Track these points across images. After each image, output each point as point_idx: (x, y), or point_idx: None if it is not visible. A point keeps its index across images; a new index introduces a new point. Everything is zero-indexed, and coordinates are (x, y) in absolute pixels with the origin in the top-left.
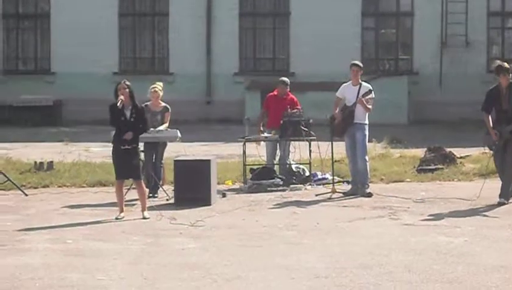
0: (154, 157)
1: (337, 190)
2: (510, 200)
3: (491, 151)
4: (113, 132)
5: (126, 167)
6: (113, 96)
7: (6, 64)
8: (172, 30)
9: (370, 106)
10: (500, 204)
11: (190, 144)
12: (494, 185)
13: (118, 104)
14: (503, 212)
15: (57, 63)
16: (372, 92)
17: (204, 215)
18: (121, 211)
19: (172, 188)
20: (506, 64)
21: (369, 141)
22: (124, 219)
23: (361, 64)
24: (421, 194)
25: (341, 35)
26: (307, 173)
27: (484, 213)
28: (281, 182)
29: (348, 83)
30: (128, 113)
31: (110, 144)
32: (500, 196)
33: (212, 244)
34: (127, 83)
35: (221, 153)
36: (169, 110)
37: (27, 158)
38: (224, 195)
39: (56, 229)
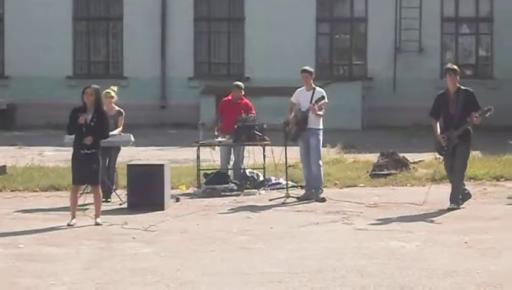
0: (107, 161)
1: (291, 195)
2: (461, 205)
3: (441, 157)
4: (68, 136)
5: (84, 171)
6: (81, 97)
7: None
8: (126, 34)
9: (321, 112)
10: (450, 209)
11: (144, 149)
12: (446, 189)
13: (80, 119)
14: (454, 217)
15: (11, 66)
16: (326, 98)
17: (157, 220)
18: (73, 217)
19: (126, 192)
20: (454, 66)
21: (323, 146)
22: (76, 224)
23: (311, 70)
24: (374, 199)
25: (295, 40)
26: (261, 178)
27: (436, 218)
28: (235, 187)
29: (301, 88)
30: (89, 117)
31: (64, 148)
32: (451, 201)
33: (166, 249)
34: (96, 86)
35: (176, 158)
36: (123, 115)
37: None
38: (177, 200)
39: (8, 233)
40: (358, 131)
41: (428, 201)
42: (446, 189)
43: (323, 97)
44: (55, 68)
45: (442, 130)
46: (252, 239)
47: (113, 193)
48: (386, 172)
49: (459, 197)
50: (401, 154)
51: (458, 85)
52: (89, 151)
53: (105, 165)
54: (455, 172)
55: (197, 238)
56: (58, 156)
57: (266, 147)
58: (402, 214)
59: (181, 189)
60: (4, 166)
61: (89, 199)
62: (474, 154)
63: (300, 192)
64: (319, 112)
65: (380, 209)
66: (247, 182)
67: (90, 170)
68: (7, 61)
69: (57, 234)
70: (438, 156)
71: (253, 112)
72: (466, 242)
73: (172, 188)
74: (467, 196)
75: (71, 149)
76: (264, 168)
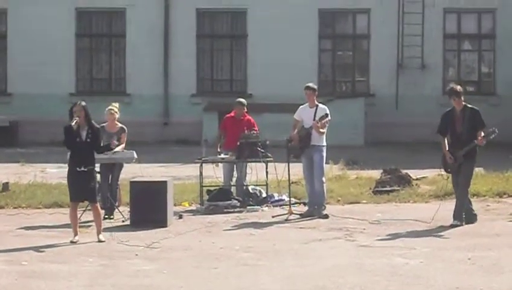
0: (110, 178)
1: (294, 212)
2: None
3: (448, 174)
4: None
5: (82, 189)
6: (68, 117)
7: None
8: (129, 51)
9: (323, 130)
10: (453, 226)
11: (147, 165)
12: (450, 207)
13: (73, 124)
14: (458, 234)
15: (14, 83)
16: (329, 115)
17: (160, 237)
18: (75, 234)
19: (128, 209)
20: (458, 88)
21: (325, 163)
22: (79, 241)
23: (314, 87)
24: (377, 215)
25: (298, 57)
26: (264, 195)
27: (440, 235)
28: (238, 204)
29: (305, 105)
30: (84, 134)
31: (66, 165)
32: (454, 217)
33: (168, 266)
34: (83, 103)
35: (178, 175)
36: (126, 131)
37: None
38: (180, 216)
39: (11, 250)
40: (361, 147)
41: (431, 218)
42: (450, 206)
43: (326, 115)
44: (58, 85)
45: (449, 147)
46: (255, 256)
47: (116, 210)
48: (388, 188)
49: (462, 214)
50: (404, 171)
51: (464, 103)
52: (85, 169)
53: (107, 181)
54: (458, 189)
55: (200, 255)
56: (60, 173)
57: (269, 164)
58: (405, 231)
59: (184, 206)
60: (7, 183)
61: (89, 216)
62: (477, 170)
63: (303, 209)
64: (321, 130)
65: (383, 225)
66: (250, 199)
67: (88, 188)
68: (10, 78)
69: (60, 251)
70: (443, 172)
71: (256, 128)
72: (469, 259)
73: (175, 205)
74: (473, 217)
75: None
76: (266, 184)
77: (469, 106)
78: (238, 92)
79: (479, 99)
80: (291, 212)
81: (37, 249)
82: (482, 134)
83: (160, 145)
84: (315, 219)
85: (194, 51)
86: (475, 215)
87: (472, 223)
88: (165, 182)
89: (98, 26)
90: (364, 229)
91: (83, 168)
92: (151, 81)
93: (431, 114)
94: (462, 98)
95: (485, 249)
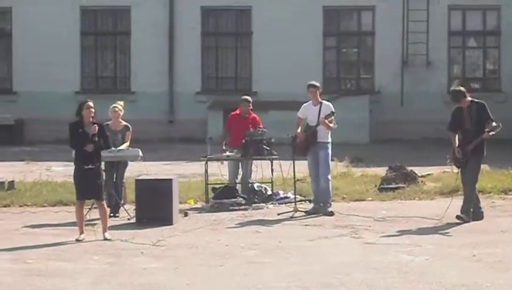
0: (115, 176)
1: (299, 209)
2: (470, 221)
3: (456, 169)
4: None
5: (89, 186)
6: (76, 114)
7: None
8: (134, 49)
9: (332, 125)
10: (458, 217)
11: (152, 163)
12: (460, 203)
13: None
14: (463, 230)
15: (19, 82)
16: (334, 113)
17: (166, 235)
18: (81, 232)
19: (134, 207)
20: (460, 88)
21: (331, 160)
22: (84, 239)
23: (317, 84)
24: (383, 212)
25: (303, 54)
26: (269, 192)
27: (445, 232)
28: (243, 201)
29: (308, 102)
30: (90, 133)
31: (72, 163)
32: (461, 211)
33: (174, 263)
34: (90, 103)
35: (184, 172)
36: (130, 129)
37: None
38: (186, 214)
39: (17, 249)
40: (366, 145)
41: (437, 214)
42: (459, 203)
43: (333, 113)
44: (63, 83)
45: (459, 142)
46: (261, 253)
47: (121, 208)
48: (394, 186)
49: (470, 209)
50: (409, 168)
51: (470, 99)
52: (92, 166)
53: (112, 179)
54: (465, 184)
55: (206, 253)
56: (66, 171)
57: (274, 161)
58: (410, 228)
59: (189, 203)
60: (12, 181)
61: (95, 214)
62: (482, 167)
63: (309, 206)
64: (331, 125)
65: (389, 223)
66: (255, 196)
67: (95, 185)
68: (15, 77)
69: (66, 249)
70: (454, 169)
71: (261, 126)
72: (474, 255)
73: (180, 203)
74: (480, 215)
75: None
76: (272, 182)
77: (475, 100)
78: (243, 89)
79: (484, 96)
80: (296, 210)
81: (43, 247)
82: (487, 130)
83: (165, 143)
84: (320, 217)
85: (199, 49)
86: (482, 212)
87: (478, 220)
88: (171, 180)
89: (102, 24)
90: (369, 226)
91: (90, 166)
92: (156, 79)
93: (436, 111)
94: (468, 96)
95: (491, 246)
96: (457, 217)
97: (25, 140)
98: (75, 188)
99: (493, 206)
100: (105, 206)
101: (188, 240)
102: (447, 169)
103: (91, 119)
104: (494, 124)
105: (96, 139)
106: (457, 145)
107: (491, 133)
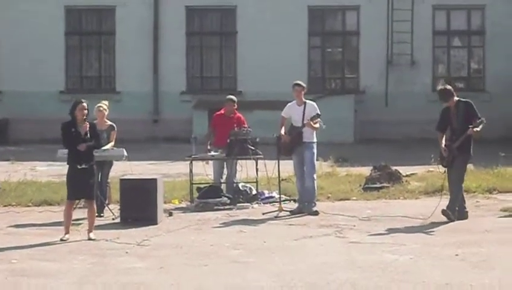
0: (100, 176)
1: (284, 209)
2: (454, 220)
3: (443, 168)
4: (61, 151)
5: (81, 186)
6: (69, 113)
7: None
8: (119, 49)
9: (317, 126)
10: (443, 212)
11: (137, 163)
12: (445, 203)
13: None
14: (447, 230)
15: (4, 81)
16: (320, 116)
17: (150, 235)
18: (67, 232)
19: (118, 207)
20: (447, 87)
21: (316, 160)
22: (69, 239)
23: (303, 84)
24: (367, 212)
25: (288, 54)
26: (254, 192)
27: (429, 231)
28: (228, 201)
29: (292, 102)
30: (83, 132)
31: (56, 163)
32: (447, 208)
33: (158, 263)
34: (85, 104)
35: (168, 172)
36: (115, 129)
37: None
38: (170, 214)
39: (1, 249)
40: (350, 144)
41: (422, 214)
42: (442, 203)
43: (318, 115)
44: (48, 83)
45: (446, 141)
46: (245, 253)
47: (106, 208)
48: (378, 185)
49: (455, 207)
50: (394, 168)
51: (457, 98)
52: (86, 166)
53: (97, 179)
54: (452, 184)
55: (190, 253)
56: (50, 171)
57: (259, 161)
58: (395, 227)
59: (174, 203)
60: None
61: (79, 213)
62: (467, 166)
63: (293, 206)
64: (315, 125)
65: (373, 222)
66: (240, 196)
67: (88, 185)
68: (0, 76)
69: (50, 249)
70: (440, 168)
71: (246, 125)
72: (458, 255)
73: (165, 203)
74: (465, 215)
75: (64, 164)
76: (256, 182)
77: (462, 99)
78: (228, 89)
79: (469, 95)
80: (281, 210)
81: (27, 247)
82: (472, 126)
83: (150, 142)
84: (305, 216)
85: (184, 49)
86: (466, 212)
87: (463, 220)
88: (155, 179)
89: (87, 24)
90: (354, 225)
91: (84, 166)
92: (141, 79)
93: (420, 111)
94: (455, 95)
95: (475, 245)
96: (443, 211)
97: (9, 139)
98: (67, 188)
99: (478, 205)
100: (95, 206)
101: (173, 240)
102: (431, 168)
103: (84, 119)
104: (478, 120)
105: (88, 137)
106: (444, 145)
107: (475, 129)
